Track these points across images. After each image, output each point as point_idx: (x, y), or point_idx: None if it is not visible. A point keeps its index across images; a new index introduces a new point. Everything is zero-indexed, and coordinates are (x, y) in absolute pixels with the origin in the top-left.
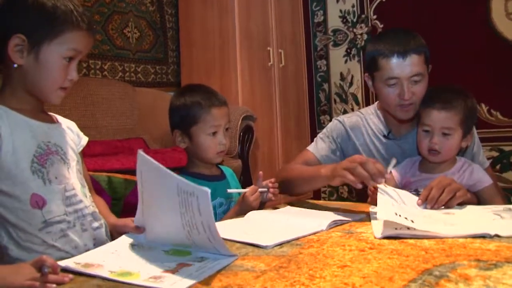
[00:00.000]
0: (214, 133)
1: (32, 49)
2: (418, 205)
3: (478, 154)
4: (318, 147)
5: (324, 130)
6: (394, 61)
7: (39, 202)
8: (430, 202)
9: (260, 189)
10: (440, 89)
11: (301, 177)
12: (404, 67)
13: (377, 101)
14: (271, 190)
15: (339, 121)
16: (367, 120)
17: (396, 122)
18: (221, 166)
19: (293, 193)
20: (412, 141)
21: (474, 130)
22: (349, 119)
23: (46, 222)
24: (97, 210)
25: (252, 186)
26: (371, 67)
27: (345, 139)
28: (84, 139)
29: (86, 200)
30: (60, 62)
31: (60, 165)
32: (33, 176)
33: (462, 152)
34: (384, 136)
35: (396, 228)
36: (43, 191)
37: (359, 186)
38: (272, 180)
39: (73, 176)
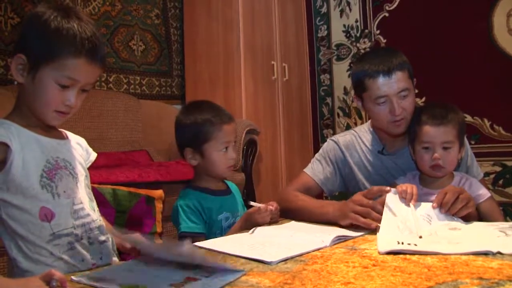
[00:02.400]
0: (225, 149)
1: (31, 69)
2: (433, 208)
3: (472, 166)
4: (315, 170)
5: (320, 151)
6: (381, 80)
7: (47, 215)
8: (444, 206)
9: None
10: (430, 106)
11: (307, 210)
12: (391, 85)
13: (370, 119)
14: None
15: (334, 141)
16: (361, 137)
17: (390, 138)
18: (226, 181)
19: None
20: (407, 156)
21: (467, 142)
22: (343, 138)
23: (54, 234)
24: (104, 224)
25: (264, 206)
26: (358, 88)
27: (341, 159)
28: (93, 155)
29: (94, 214)
30: (53, 87)
31: (68, 179)
32: (42, 190)
33: (457, 165)
34: (378, 152)
35: (399, 243)
36: (51, 205)
37: (373, 226)
38: (276, 206)
39: (81, 191)
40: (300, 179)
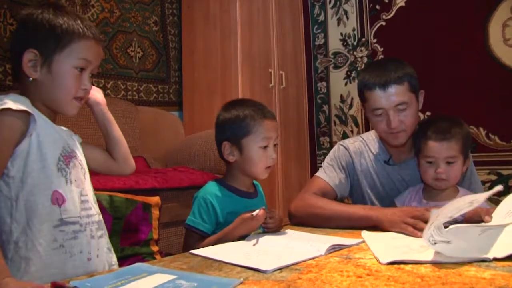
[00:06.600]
0: (265, 147)
1: (44, 62)
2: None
3: (476, 182)
4: (330, 175)
5: (331, 155)
6: (377, 92)
7: (59, 200)
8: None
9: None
10: (435, 120)
11: (346, 215)
12: (387, 98)
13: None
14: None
15: (344, 147)
16: (368, 146)
17: (395, 148)
18: (255, 183)
19: (322, 227)
20: (412, 167)
21: (470, 156)
22: (352, 144)
23: (62, 220)
24: (101, 219)
25: (263, 211)
26: (360, 98)
27: (351, 166)
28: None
29: (95, 208)
30: (72, 72)
31: (78, 169)
32: (57, 173)
33: (461, 177)
34: (385, 162)
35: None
36: (63, 190)
37: (420, 235)
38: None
39: (88, 183)
40: (314, 185)
